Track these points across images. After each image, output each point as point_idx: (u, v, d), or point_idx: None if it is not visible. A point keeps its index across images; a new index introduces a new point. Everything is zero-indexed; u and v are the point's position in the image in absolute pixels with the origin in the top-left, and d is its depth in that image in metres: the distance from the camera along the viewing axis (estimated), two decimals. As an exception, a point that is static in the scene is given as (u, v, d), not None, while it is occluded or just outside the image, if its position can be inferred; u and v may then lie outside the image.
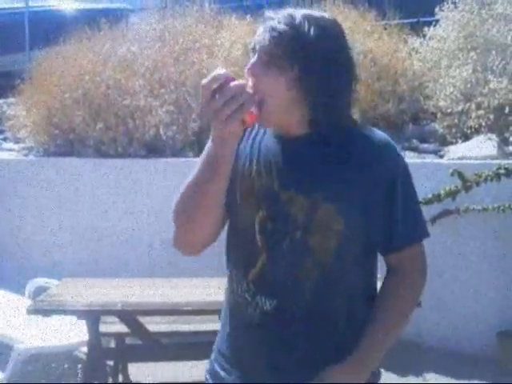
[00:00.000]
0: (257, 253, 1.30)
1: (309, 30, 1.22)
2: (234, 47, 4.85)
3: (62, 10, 7.56)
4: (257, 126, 1.33)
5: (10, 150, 5.41)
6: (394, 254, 1.32)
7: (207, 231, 1.29)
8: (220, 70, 1.16)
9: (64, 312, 2.74)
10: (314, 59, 1.21)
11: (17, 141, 5.51)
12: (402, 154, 1.37)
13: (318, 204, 1.25)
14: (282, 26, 1.21)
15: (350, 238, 1.27)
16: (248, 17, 5.22)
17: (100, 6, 7.57)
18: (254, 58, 1.25)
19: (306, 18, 1.23)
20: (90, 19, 5.46)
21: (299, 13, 1.24)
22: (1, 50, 7.09)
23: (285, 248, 1.27)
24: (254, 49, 1.26)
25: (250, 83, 1.22)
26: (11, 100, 6.04)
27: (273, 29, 1.21)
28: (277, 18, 1.23)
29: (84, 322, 2.97)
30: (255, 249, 1.30)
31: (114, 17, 5.84)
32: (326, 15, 1.28)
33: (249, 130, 1.34)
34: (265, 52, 1.22)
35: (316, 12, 1.28)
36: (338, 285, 1.29)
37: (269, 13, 1.27)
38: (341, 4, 4.99)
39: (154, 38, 5.19)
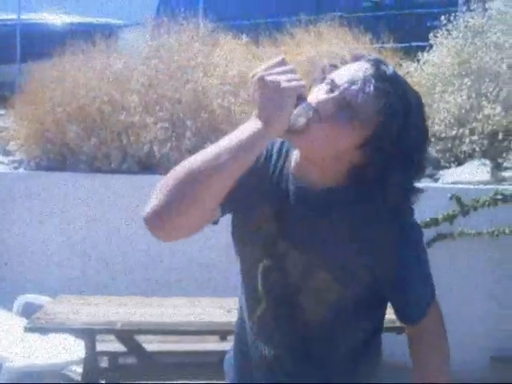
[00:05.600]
0: (258, 299, 1.29)
1: (414, 104, 1.14)
2: (230, 66, 4.87)
3: (53, 24, 7.53)
4: (282, 170, 1.26)
5: (-1, 162, 5.34)
6: (418, 322, 1.27)
7: (200, 219, 1.13)
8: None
9: (62, 330, 2.69)
10: (397, 128, 1.11)
11: (6, 153, 5.44)
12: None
13: (314, 268, 1.21)
14: (389, 90, 1.11)
15: (344, 307, 1.23)
16: (244, 36, 5.25)
17: (92, 20, 7.54)
18: (329, 94, 1.13)
19: (409, 89, 1.16)
20: (82, 33, 5.43)
21: (400, 79, 1.16)
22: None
23: (281, 301, 1.26)
24: (333, 82, 1.14)
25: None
26: (0, 112, 5.98)
27: (381, 90, 1.11)
28: (380, 75, 1.12)
29: (74, 338, 2.93)
30: (258, 294, 1.29)
31: (107, 31, 5.82)
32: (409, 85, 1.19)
33: (276, 174, 1.26)
34: (355, 103, 1.11)
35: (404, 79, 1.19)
36: (334, 341, 1.26)
37: (369, 56, 1.17)
38: (336, 26, 5.05)
39: (149, 55, 5.18)
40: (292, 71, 1.10)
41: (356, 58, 1.17)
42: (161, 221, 1.09)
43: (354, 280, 1.21)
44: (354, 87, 1.11)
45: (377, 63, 1.14)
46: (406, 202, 1.18)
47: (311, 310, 1.24)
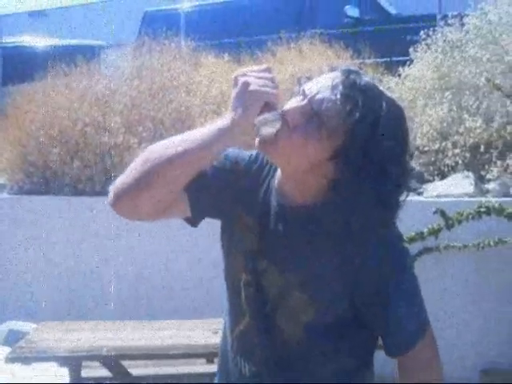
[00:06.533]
0: (242, 313, 1.26)
1: (385, 113, 1.10)
2: (212, 85, 4.88)
3: (34, 46, 7.52)
4: (268, 183, 1.24)
5: (-18, 187, 5.28)
6: (406, 353, 1.20)
7: (160, 200, 1.14)
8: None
9: (46, 359, 2.64)
10: (365, 138, 1.08)
11: (-12, 178, 5.39)
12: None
13: (290, 288, 1.18)
14: (357, 99, 1.08)
15: (321, 329, 1.19)
16: (226, 55, 5.27)
17: (74, 42, 7.55)
18: (299, 102, 1.12)
19: (385, 99, 1.12)
20: (64, 56, 5.43)
21: (373, 90, 1.11)
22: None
23: (261, 318, 1.23)
24: (303, 92, 1.13)
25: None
26: (-17, 136, 5.94)
27: (347, 97, 1.08)
28: (349, 84, 1.09)
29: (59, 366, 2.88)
30: (241, 308, 1.26)
31: (89, 53, 5.83)
32: (391, 96, 1.16)
33: (263, 188, 1.24)
34: (321, 111, 1.09)
35: (385, 90, 1.16)
36: (313, 362, 1.22)
37: (344, 67, 1.15)
38: (317, 43, 5.08)
39: (131, 75, 5.18)
40: (270, 80, 1.10)
41: (331, 69, 1.16)
42: (117, 197, 1.15)
43: (331, 302, 1.18)
44: (320, 95, 1.10)
45: (348, 72, 1.12)
46: (384, 218, 1.14)
47: (288, 330, 1.21)
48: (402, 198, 1.15)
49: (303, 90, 1.13)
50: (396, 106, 1.14)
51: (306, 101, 1.11)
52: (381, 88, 1.14)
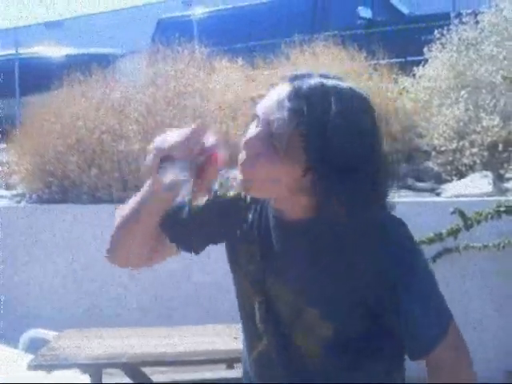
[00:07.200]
0: (258, 335, 1.24)
1: (335, 113, 1.04)
2: (227, 90, 4.89)
3: (50, 57, 7.61)
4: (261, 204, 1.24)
5: (1, 196, 5.36)
6: (427, 356, 1.17)
7: (140, 250, 1.26)
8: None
9: (67, 367, 2.66)
10: (335, 147, 1.04)
11: (8, 187, 5.46)
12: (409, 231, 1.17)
13: (302, 304, 1.16)
14: (302, 108, 1.04)
15: (342, 342, 1.15)
16: (239, 60, 5.28)
17: (89, 51, 7.62)
18: (254, 130, 1.09)
19: (334, 96, 1.06)
20: (80, 65, 5.49)
21: (320, 90, 1.06)
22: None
23: (278, 339, 1.21)
24: (257, 116, 1.10)
25: (242, 156, 1.10)
26: (1, 146, 6.02)
27: (293, 111, 1.04)
28: (295, 94, 1.05)
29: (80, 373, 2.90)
30: (257, 331, 1.24)
31: (104, 61, 5.88)
32: (354, 88, 1.11)
33: (258, 208, 1.23)
34: (277, 132, 1.06)
35: (344, 84, 1.10)
36: (338, 376, 1.18)
37: (291, 74, 1.11)
38: (331, 45, 5.07)
39: (146, 83, 5.22)
40: (180, 136, 1.08)
41: (282, 80, 1.12)
42: (108, 250, 1.26)
43: (343, 314, 1.15)
44: (270, 116, 1.07)
45: (293, 79, 1.08)
46: (374, 218, 1.10)
47: (306, 348, 1.18)
48: (388, 195, 1.11)
49: (255, 114, 1.11)
50: (351, 100, 1.08)
51: (259, 127, 1.09)
52: (331, 83, 1.08)
